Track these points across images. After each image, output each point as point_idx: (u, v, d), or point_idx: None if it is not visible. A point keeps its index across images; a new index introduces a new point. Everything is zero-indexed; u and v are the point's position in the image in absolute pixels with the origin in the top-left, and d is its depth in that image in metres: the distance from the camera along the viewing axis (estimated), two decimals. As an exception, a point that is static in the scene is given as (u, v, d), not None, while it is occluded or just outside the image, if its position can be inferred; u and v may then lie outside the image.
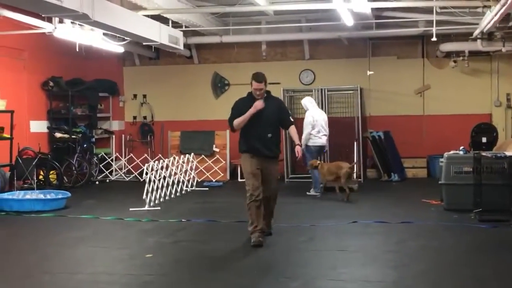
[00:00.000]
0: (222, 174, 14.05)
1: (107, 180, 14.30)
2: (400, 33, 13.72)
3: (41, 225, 8.87)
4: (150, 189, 10.21)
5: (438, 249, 6.93)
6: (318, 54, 15.10)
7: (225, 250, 7.01)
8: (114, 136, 15.35)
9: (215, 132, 14.41)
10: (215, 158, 14.11)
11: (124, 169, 14.79)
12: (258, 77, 7.22)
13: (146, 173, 10.23)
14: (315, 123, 11.34)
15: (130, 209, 9.95)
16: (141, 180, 13.78)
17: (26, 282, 5.84)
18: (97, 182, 13.96)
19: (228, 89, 15.42)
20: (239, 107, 7.35)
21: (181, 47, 12.33)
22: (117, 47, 12.40)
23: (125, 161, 14.89)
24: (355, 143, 13.43)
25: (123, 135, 15.66)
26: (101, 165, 14.38)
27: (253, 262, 6.43)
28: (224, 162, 14.16)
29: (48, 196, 10.38)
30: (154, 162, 10.88)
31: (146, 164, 10.49)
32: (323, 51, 15.03)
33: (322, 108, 13.06)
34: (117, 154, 15.16)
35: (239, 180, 13.68)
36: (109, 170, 14.54)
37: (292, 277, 5.75)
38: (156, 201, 10.43)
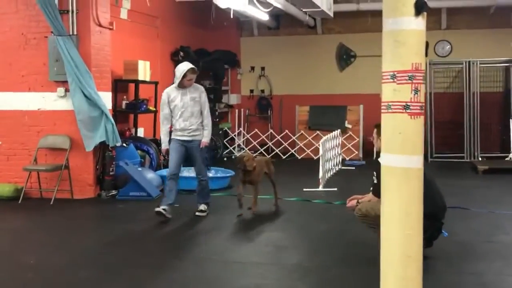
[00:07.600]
0: (356, 152, 13.15)
1: (232, 157, 13.52)
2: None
3: (222, 204, 8.12)
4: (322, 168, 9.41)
5: None
6: (455, 24, 13.99)
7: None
8: (235, 111, 14.56)
9: (348, 107, 13.48)
10: (347, 135, 13.16)
11: (247, 145, 13.99)
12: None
13: (324, 151, 9.41)
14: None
15: (304, 189, 9.17)
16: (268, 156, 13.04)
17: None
18: (225, 158, 13.16)
19: (354, 61, 14.43)
20: None
21: (332, 15, 11.42)
22: (263, 14, 11.52)
23: (249, 136, 14.04)
24: (510, 121, 12.39)
25: (241, 109, 14.83)
26: (224, 141, 13.61)
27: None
28: (357, 139, 13.21)
29: (218, 175, 9.64)
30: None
31: (321, 140, 9.66)
32: (462, 21, 13.92)
33: (469, 84, 12.13)
34: (241, 129, 14.31)
35: (374, 159, 12.81)
36: (233, 146, 13.76)
37: None
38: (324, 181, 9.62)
